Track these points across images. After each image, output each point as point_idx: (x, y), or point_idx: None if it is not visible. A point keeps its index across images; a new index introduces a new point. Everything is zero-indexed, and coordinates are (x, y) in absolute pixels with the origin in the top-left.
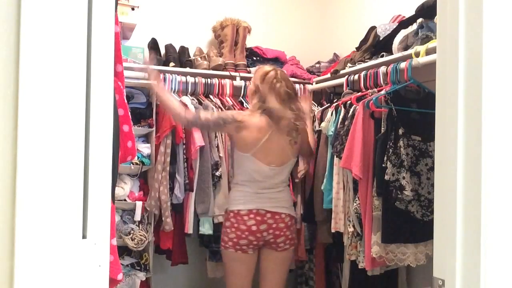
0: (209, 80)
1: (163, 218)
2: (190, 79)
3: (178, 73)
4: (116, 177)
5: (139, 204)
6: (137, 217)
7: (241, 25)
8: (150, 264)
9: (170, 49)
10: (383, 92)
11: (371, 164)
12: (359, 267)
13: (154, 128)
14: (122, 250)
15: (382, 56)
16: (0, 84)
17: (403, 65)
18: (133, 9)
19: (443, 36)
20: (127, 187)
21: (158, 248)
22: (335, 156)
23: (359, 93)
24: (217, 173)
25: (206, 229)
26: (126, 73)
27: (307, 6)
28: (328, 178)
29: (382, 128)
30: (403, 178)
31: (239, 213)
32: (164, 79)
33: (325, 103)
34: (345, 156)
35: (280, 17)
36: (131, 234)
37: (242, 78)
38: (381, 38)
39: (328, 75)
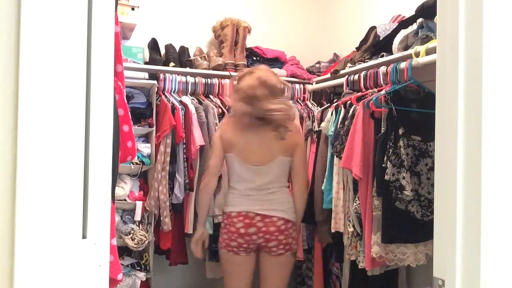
0: (209, 80)
1: (161, 218)
2: (190, 79)
3: (178, 73)
4: (116, 177)
5: (139, 204)
6: (137, 217)
7: (241, 25)
8: (150, 264)
9: (170, 49)
10: (383, 92)
11: (371, 164)
12: (359, 267)
13: (154, 128)
14: (122, 250)
15: (382, 56)
16: (0, 84)
17: (403, 65)
18: (133, 9)
19: (443, 36)
20: (127, 187)
21: (158, 249)
22: (335, 156)
23: (359, 93)
24: None
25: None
26: (126, 73)
27: (307, 6)
28: (328, 178)
29: (382, 128)
30: (403, 178)
31: (230, 215)
32: (164, 79)
33: (325, 103)
34: (345, 156)
35: (280, 17)
36: (131, 234)
37: None
38: (381, 38)
39: (328, 75)
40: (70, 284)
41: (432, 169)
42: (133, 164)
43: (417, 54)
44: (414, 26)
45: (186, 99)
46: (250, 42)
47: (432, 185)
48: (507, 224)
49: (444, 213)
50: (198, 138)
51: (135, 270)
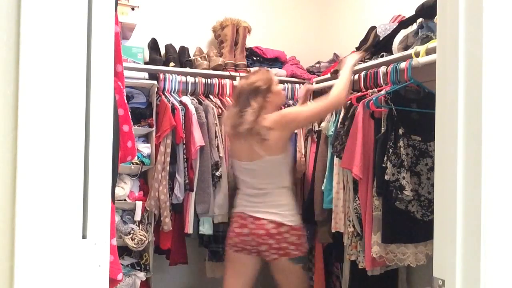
0: (209, 80)
1: (162, 218)
2: (190, 79)
3: (178, 73)
4: (116, 177)
5: (139, 204)
6: (137, 217)
7: (241, 25)
8: (150, 264)
9: (170, 49)
10: (383, 92)
11: (371, 164)
12: (359, 267)
13: (154, 128)
14: (122, 250)
15: (382, 56)
16: (0, 83)
17: (403, 65)
18: (133, 9)
19: (443, 36)
20: (127, 187)
21: (158, 248)
22: (335, 156)
23: (359, 93)
24: (217, 173)
25: (206, 229)
26: (126, 73)
27: (307, 6)
28: (328, 178)
29: (382, 128)
30: (403, 178)
31: (232, 215)
32: (164, 79)
33: None
34: (345, 156)
35: (280, 17)
36: (131, 234)
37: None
38: (381, 38)
39: (328, 75)
40: (70, 284)
41: (432, 169)
42: (133, 164)
43: (417, 54)
44: (414, 26)
45: (186, 99)
46: (250, 42)
47: (432, 185)
48: (507, 224)
49: (444, 213)
50: (198, 139)
51: (135, 270)
